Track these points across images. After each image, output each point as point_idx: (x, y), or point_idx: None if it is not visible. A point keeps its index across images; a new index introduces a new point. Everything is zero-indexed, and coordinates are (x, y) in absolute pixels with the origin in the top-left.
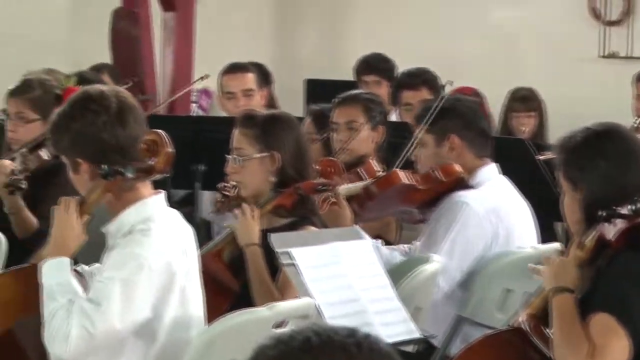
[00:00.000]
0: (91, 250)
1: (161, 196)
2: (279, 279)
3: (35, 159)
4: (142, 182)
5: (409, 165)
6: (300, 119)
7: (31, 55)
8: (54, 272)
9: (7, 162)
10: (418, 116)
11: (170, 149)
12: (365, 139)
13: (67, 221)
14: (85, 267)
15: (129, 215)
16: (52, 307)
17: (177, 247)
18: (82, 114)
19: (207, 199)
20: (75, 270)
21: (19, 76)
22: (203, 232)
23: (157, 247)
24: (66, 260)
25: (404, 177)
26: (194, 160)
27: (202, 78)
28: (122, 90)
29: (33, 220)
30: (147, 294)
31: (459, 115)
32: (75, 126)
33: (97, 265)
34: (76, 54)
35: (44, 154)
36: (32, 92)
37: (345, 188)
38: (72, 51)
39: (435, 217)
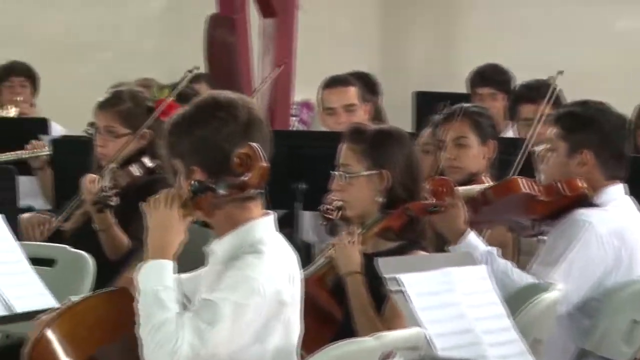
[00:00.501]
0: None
1: (271, 218)
2: (385, 308)
3: (126, 175)
4: (254, 202)
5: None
6: (411, 135)
7: (124, 63)
8: (156, 275)
9: (94, 177)
10: (557, 117)
11: (264, 164)
12: (476, 155)
13: (167, 217)
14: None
15: (238, 236)
16: (161, 315)
17: (285, 273)
18: (209, 120)
19: (307, 219)
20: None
21: (111, 84)
22: (303, 254)
23: (269, 272)
24: (168, 264)
25: (524, 185)
26: (293, 178)
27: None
28: (251, 101)
29: (124, 239)
30: (254, 320)
31: (599, 130)
32: (198, 132)
33: (189, 274)
34: (170, 62)
35: (135, 170)
36: (122, 104)
37: (463, 189)
38: (166, 59)
39: (555, 234)
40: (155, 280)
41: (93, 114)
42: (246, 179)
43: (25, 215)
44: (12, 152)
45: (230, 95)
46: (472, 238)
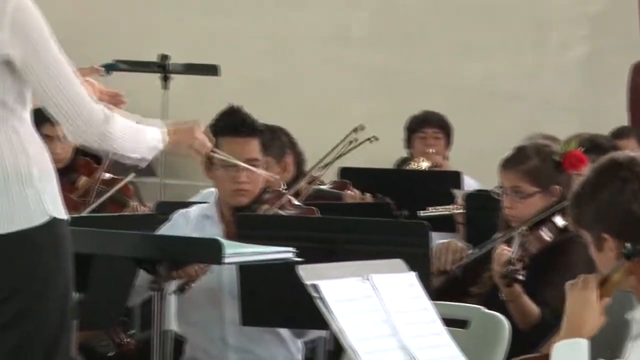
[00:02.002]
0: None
1: None
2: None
3: (536, 240)
4: None
5: None
6: None
7: (540, 113)
8: (570, 354)
9: (505, 250)
10: None
11: None
12: None
13: (585, 299)
14: None
15: None
16: None
17: None
18: (610, 182)
19: None
20: None
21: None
22: None
23: None
24: (583, 342)
25: None
26: None
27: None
28: None
29: (533, 308)
30: None
31: None
32: (601, 196)
33: None
34: (589, 114)
35: (546, 233)
36: (528, 161)
37: None
38: (584, 109)
39: None
40: (568, 357)
41: (498, 172)
42: None
43: (444, 240)
44: (434, 208)
45: (630, 154)
46: None
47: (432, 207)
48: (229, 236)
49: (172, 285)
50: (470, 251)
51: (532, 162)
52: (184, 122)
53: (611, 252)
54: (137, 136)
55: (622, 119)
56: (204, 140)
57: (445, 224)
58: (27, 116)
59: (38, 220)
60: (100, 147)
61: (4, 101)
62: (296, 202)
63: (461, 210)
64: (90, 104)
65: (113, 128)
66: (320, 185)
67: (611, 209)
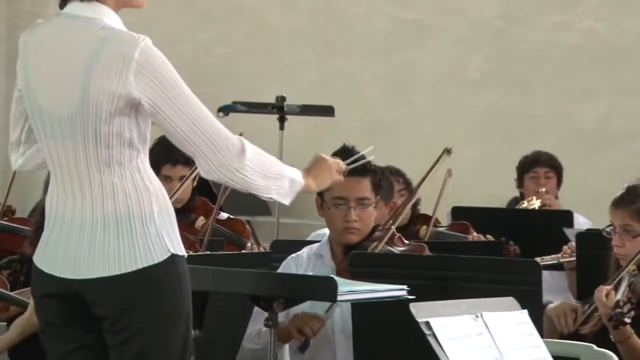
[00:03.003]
0: None
1: None
2: None
3: None
4: None
5: None
6: None
7: None
8: None
9: (609, 290)
10: None
11: None
12: None
13: None
14: None
15: None
16: None
17: None
18: None
19: None
20: None
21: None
22: None
23: None
24: None
25: None
26: None
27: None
28: None
29: None
30: None
31: None
32: None
33: None
34: None
35: None
36: (638, 201)
37: None
38: None
39: None
40: None
41: (609, 212)
42: None
43: (553, 304)
44: (551, 257)
45: None
46: None
47: (547, 256)
48: (340, 274)
49: (293, 343)
50: (586, 307)
51: None
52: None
53: None
54: (272, 169)
55: None
56: (339, 164)
57: (556, 264)
58: (147, 156)
59: (159, 257)
60: (234, 185)
61: (131, 141)
62: (405, 240)
63: (572, 259)
64: (226, 136)
65: (250, 160)
66: (438, 226)
67: None
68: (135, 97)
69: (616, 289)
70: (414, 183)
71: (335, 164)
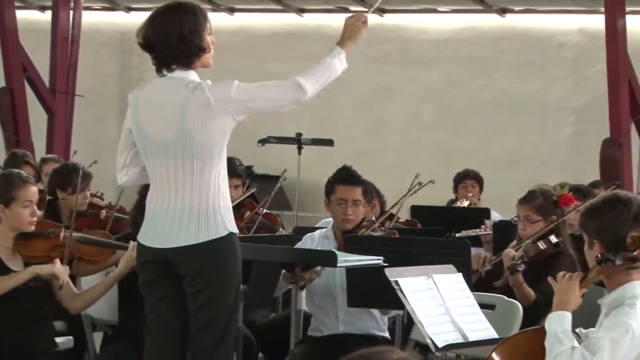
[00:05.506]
0: None
1: None
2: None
3: (534, 248)
4: (636, 270)
5: None
6: None
7: (539, 172)
8: (558, 322)
9: (511, 252)
10: None
11: None
12: None
13: (569, 286)
14: (583, 330)
15: (620, 292)
16: (557, 349)
17: None
18: (610, 210)
19: None
20: (574, 332)
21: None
22: None
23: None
24: (567, 315)
25: None
26: None
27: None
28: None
29: (531, 293)
30: (627, 354)
31: None
32: (603, 217)
33: (590, 329)
34: (573, 174)
35: (542, 244)
36: (535, 200)
37: None
38: (571, 171)
39: None
40: (557, 324)
41: (515, 207)
42: (636, 253)
43: (473, 252)
44: (471, 230)
45: (629, 195)
46: None
47: (465, 230)
48: (340, 249)
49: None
50: (494, 257)
51: (539, 200)
52: (344, 32)
53: (596, 252)
54: (324, 75)
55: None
56: (361, 18)
57: (476, 242)
58: (224, 165)
59: (221, 233)
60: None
61: (212, 155)
62: (382, 228)
63: (487, 232)
64: (281, 88)
65: (307, 89)
66: (398, 221)
67: (606, 228)
68: (220, 114)
69: (517, 251)
70: (386, 195)
71: (357, 19)
